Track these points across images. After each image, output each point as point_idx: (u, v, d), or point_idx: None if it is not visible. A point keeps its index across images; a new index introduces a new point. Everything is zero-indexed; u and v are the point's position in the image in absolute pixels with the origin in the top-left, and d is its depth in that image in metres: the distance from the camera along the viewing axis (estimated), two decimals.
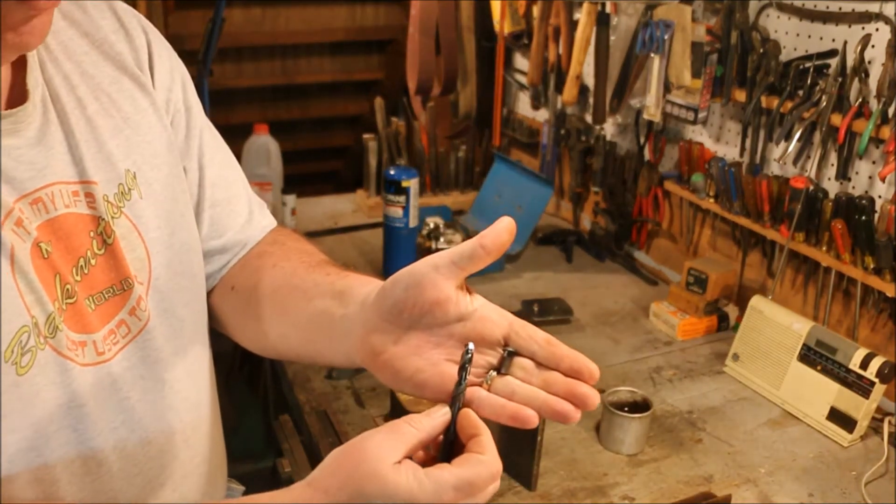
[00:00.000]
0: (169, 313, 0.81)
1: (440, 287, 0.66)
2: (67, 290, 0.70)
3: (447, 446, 0.64)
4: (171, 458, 0.81)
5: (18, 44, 0.64)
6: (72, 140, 0.73)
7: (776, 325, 1.46)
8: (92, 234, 0.73)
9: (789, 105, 1.49)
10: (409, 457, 0.62)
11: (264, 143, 2.10)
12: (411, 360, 0.67)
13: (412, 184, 1.77)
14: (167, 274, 0.80)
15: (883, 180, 1.39)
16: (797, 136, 1.48)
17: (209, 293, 0.93)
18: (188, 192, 0.88)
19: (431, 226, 2.01)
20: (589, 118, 2.13)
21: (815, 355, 1.39)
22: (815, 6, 1.48)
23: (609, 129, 2.11)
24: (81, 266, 0.72)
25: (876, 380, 1.29)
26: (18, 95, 0.70)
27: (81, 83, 0.77)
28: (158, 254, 0.79)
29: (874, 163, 1.42)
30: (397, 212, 1.78)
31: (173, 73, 0.87)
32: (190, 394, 0.85)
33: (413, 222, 1.81)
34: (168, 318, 0.81)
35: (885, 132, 1.33)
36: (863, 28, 1.40)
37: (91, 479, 0.73)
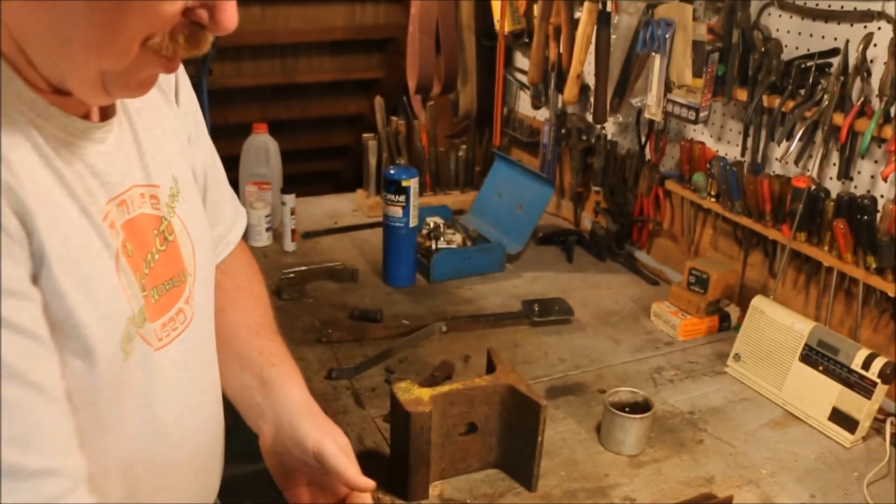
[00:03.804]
0: (207, 303, 0.91)
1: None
2: (143, 283, 0.78)
3: None
4: (211, 429, 0.93)
5: (138, 93, 0.71)
6: (140, 147, 0.80)
7: (778, 325, 1.46)
8: (156, 232, 0.80)
9: (791, 104, 1.48)
10: None
11: (263, 142, 2.09)
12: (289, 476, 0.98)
13: (412, 183, 1.77)
14: (205, 266, 0.90)
15: (885, 180, 1.38)
16: (799, 135, 1.47)
17: None
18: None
19: (431, 225, 2.00)
20: (590, 117, 2.12)
21: (816, 356, 1.38)
22: (817, 5, 1.48)
23: (610, 128, 2.11)
24: (149, 261, 0.79)
25: (878, 380, 1.29)
26: (109, 108, 0.76)
27: None
28: (199, 249, 0.88)
29: (876, 162, 1.42)
30: (397, 211, 1.78)
31: (189, 90, 0.95)
32: (215, 375, 0.96)
33: (413, 222, 1.80)
34: (207, 307, 0.91)
35: (888, 131, 1.33)
36: (865, 27, 1.39)
37: (159, 448, 0.83)
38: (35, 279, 0.64)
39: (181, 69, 0.92)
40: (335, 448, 0.91)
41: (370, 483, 0.92)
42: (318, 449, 0.91)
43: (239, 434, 1.02)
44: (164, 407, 0.82)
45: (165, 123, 0.86)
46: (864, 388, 1.31)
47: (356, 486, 0.92)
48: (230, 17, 0.63)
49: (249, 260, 1.16)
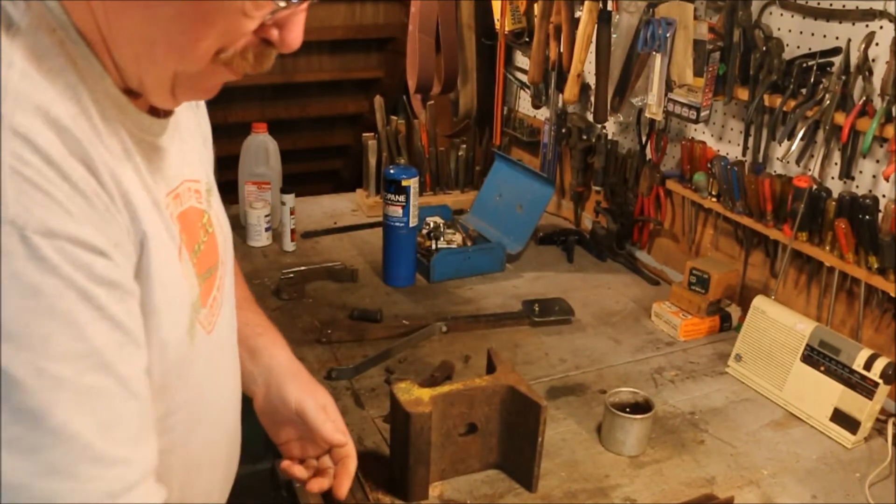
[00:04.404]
0: (229, 291, 0.95)
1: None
2: (195, 272, 0.81)
3: None
4: (236, 409, 0.98)
5: (203, 96, 0.75)
6: (183, 145, 0.83)
7: (779, 325, 1.45)
8: (199, 224, 0.84)
9: (792, 103, 1.48)
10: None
11: (263, 141, 2.08)
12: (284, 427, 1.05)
13: (412, 183, 1.76)
14: (228, 257, 0.94)
15: (887, 179, 1.38)
16: (800, 134, 1.47)
17: None
18: None
19: (431, 225, 2.00)
20: (590, 117, 2.12)
21: (818, 356, 1.38)
22: (819, 4, 1.47)
23: (610, 127, 2.10)
24: (196, 251, 0.82)
25: (880, 381, 1.28)
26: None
27: None
28: (225, 241, 0.92)
29: (878, 162, 1.41)
30: (397, 211, 1.77)
31: None
32: (237, 360, 0.99)
33: (413, 222, 1.80)
34: (230, 296, 0.95)
35: (889, 131, 1.32)
36: (866, 26, 1.39)
37: (205, 426, 0.87)
38: (136, 272, 0.68)
39: None
40: (314, 405, 1.00)
41: (341, 439, 1.01)
42: (300, 407, 1.00)
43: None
44: (209, 388, 0.87)
45: (194, 123, 0.91)
46: (865, 388, 1.30)
47: (330, 442, 1.01)
48: (297, 36, 0.67)
49: None
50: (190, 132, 0.88)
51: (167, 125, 0.77)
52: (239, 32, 0.64)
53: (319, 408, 1.01)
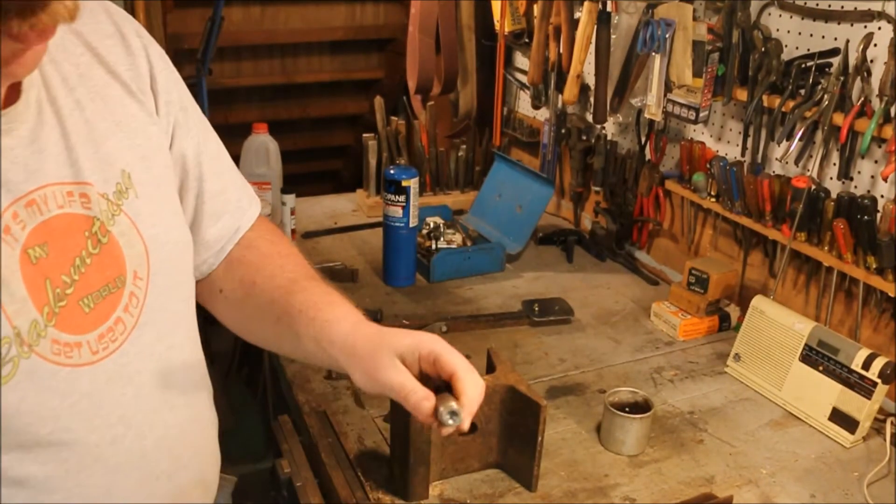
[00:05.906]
0: (165, 308, 0.82)
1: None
2: (58, 293, 0.71)
3: None
4: (166, 453, 0.83)
5: (8, 75, 0.65)
6: (68, 141, 0.73)
7: (778, 325, 1.45)
8: (87, 234, 0.74)
9: (791, 104, 1.48)
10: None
11: (263, 142, 2.09)
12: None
13: (412, 183, 1.76)
14: (164, 270, 0.82)
15: (885, 180, 1.38)
16: (799, 135, 1.47)
17: (199, 284, 0.95)
18: (186, 189, 0.90)
19: (431, 226, 2.00)
20: (590, 117, 2.12)
21: (816, 356, 1.38)
22: (817, 5, 1.48)
23: (610, 128, 2.11)
24: (77, 266, 0.72)
25: (878, 380, 1.29)
26: (13, 95, 0.70)
27: (80, 85, 0.77)
28: (156, 250, 0.81)
29: (876, 162, 1.42)
30: (397, 211, 1.78)
31: (169, 77, 0.88)
32: (186, 388, 0.87)
33: (413, 222, 1.80)
34: (163, 314, 0.82)
35: (888, 131, 1.33)
36: (865, 27, 1.39)
37: (87, 475, 0.75)
38: None
39: (158, 54, 0.86)
40: (389, 381, 0.83)
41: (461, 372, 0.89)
42: (373, 390, 0.84)
43: (239, 434, 1.01)
44: (88, 430, 0.74)
45: (121, 115, 0.80)
46: (864, 388, 1.31)
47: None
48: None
49: (269, 226, 1.06)
50: (100, 127, 0.77)
51: (9, 119, 0.68)
52: None
53: (397, 382, 0.83)
